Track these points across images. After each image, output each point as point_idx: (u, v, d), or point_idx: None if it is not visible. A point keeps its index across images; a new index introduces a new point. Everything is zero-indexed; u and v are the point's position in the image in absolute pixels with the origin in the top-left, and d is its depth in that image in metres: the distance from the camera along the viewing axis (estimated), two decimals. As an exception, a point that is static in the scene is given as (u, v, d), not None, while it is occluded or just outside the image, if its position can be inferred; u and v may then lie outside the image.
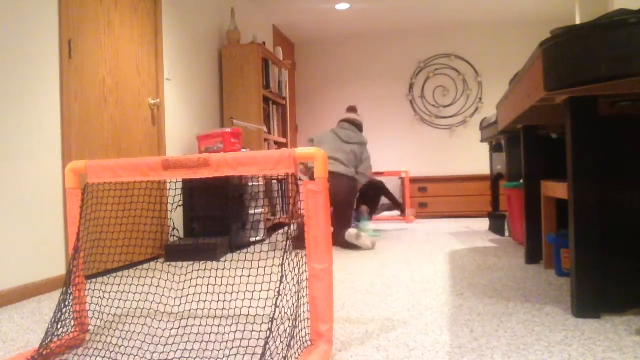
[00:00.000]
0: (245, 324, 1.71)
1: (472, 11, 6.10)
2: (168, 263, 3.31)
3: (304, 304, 1.55)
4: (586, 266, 1.72)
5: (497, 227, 4.25)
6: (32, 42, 2.50)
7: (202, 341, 1.60)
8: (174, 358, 1.46)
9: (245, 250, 3.78)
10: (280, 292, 1.32)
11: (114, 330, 1.78)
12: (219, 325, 1.77)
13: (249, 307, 1.75)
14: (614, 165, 1.81)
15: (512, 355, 1.38)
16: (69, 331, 1.60)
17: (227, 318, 1.88)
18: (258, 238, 4.18)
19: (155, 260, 3.43)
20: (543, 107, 2.04)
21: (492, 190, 4.51)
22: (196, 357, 1.45)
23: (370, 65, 6.95)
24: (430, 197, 6.28)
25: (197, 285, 1.90)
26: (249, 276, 1.78)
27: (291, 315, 1.41)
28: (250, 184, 4.02)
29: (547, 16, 6.35)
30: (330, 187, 3.91)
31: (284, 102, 5.34)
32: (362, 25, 6.53)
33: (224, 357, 1.44)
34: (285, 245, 1.36)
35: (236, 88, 4.59)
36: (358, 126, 4.14)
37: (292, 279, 1.49)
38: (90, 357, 1.50)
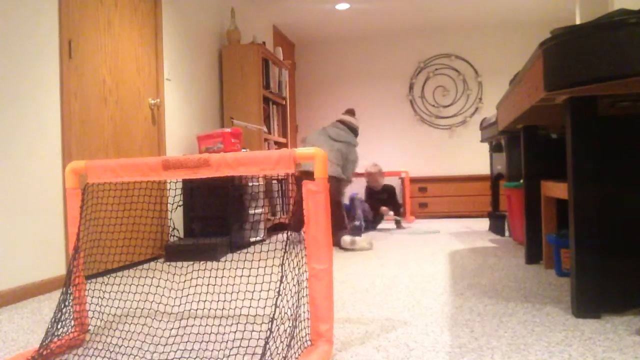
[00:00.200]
0: (245, 324, 1.71)
1: (472, 11, 6.10)
2: (168, 263, 3.31)
3: (304, 304, 1.55)
4: (586, 266, 1.72)
5: (497, 227, 4.25)
6: (32, 42, 2.50)
7: (202, 341, 1.60)
8: (174, 358, 1.46)
9: (245, 250, 3.78)
10: (280, 292, 1.32)
11: (114, 330, 1.78)
12: (219, 325, 1.77)
13: (249, 307, 1.75)
14: (614, 165, 1.81)
15: (512, 355, 1.38)
16: (69, 331, 1.60)
17: (227, 318, 1.88)
18: (258, 238, 4.18)
19: (155, 260, 3.43)
20: (543, 107, 2.04)
21: (492, 190, 4.51)
22: (196, 357, 1.45)
23: (370, 65, 6.95)
24: (430, 197, 6.28)
25: (197, 285, 1.90)
26: (249, 276, 1.78)
27: (291, 315, 1.41)
28: (250, 184, 4.02)
29: (547, 16, 6.35)
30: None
31: (284, 102, 5.34)
32: (362, 25, 6.53)
33: (224, 357, 1.44)
34: (285, 245, 1.36)
35: (236, 88, 4.59)
36: (351, 128, 4.07)
37: (292, 279, 1.49)
38: (90, 357, 1.50)
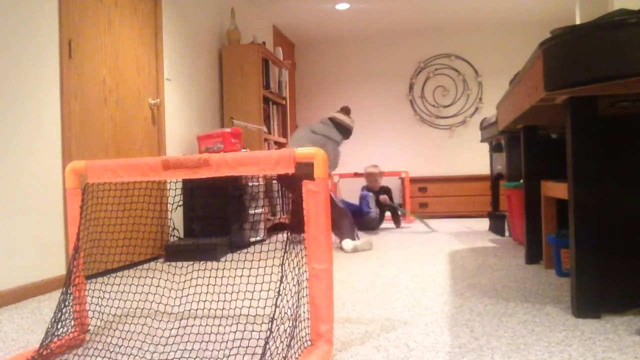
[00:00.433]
0: (245, 324, 1.71)
1: (472, 11, 6.10)
2: (168, 263, 3.31)
3: (304, 304, 1.55)
4: (586, 266, 1.72)
5: (497, 227, 4.25)
6: (32, 42, 2.50)
7: (202, 341, 1.60)
8: (174, 358, 1.46)
9: (245, 250, 3.78)
10: (280, 292, 1.32)
11: (114, 330, 1.78)
12: (219, 325, 1.77)
13: (249, 307, 1.75)
14: (614, 165, 1.81)
15: (512, 355, 1.38)
16: (69, 331, 1.60)
17: (227, 318, 1.88)
18: (258, 238, 4.18)
19: (155, 260, 3.43)
20: (543, 107, 2.04)
21: (492, 190, 4.51)
22: (196, 357, 1.45)
23: (370, 65, 6.95)
24: (430, 197, 6.28)
25: (197, 285, 1.90)
26: (249, 276, 1.78)
27: (291, 315, 1.41)
28: (250, 184, 4.02)
29: (547, 16, 6.35)
30: (285, 179, 3.86)
31: (284, 102, 5.34)
32: (362, 25, 6.53)
33: (224, 357, 1.44)
34: (285, 245, 1.36)
35: (236, 88, 4.59)
36: (339, 125, 3.91)
37: (292, 279, 1.49)
38: (90, 357, 1.50)
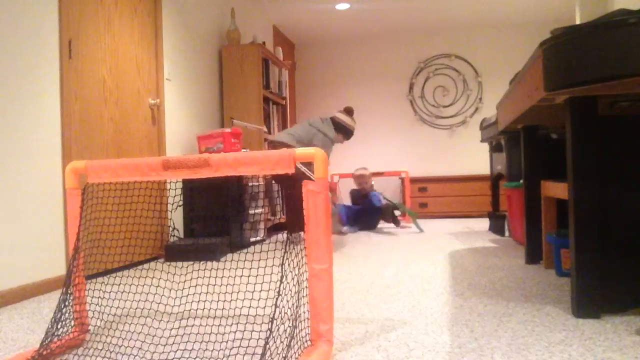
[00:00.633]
0: (245, 324, 1.71)
1: (472, 11, 6.10)
2: (168, 263, 3.31)
3: (304, 304, 1.55)
4: (586, 266, 1.72)
5: (497, 227, 4.25)
6: (32, 42, 2.50)
7: (202, 341, 1.60)
8: (174, 358, 1.46)
9: (245, 250, 3.78)
10: (280, 292, 1.32)
11: (114, 330, 1.78)
12: (219, 325, 1.77)
13: (249, 307, 1.75)
14: (614, 165, 1.81)
15: (512, 355, 1.38)
16: (69, 331, 1.60)
17: (227, 318, 1.88)
18: (258, 238, 4.18)
19: (155, 260, 3.43)
20: (543, 107, 2.04)
21: (492, 190, 4.51)
22: (196, 357, 1.45)
23: (370, 65, 6.95)
24: (430, 197, 6.28)
25: (197, 285, 1.91)
26: (249, 276, 1.78)
27: (291, 315, 1.41)
28: (250, 184, 4.02)
29: (547, 16, 6.35)
30: (280, 178, 3.86)
31: (284, 102, 5.34)
32: (362, 25, 6.53)
33: (224, 357, 1.44)
34: (285, 245, 1.36)
35: (236, 88, 4.59)
36: (337, 124, 3.91)
37: (292, 279, 1.49)
38: (90, 357, 1.50)
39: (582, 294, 1.72)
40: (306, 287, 1.50)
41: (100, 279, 2.80)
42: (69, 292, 1.59)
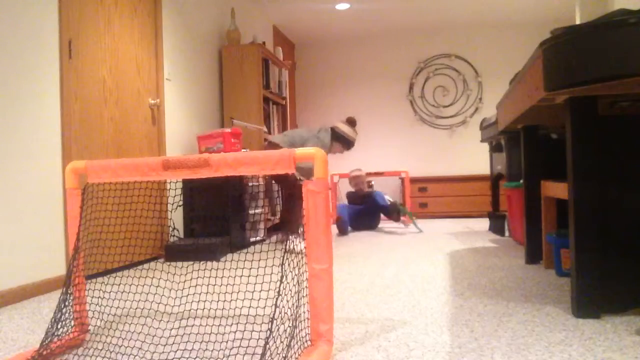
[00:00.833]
0: (245, 324, 1.71)
1: (472, 11, 6.10)
2: (168, 263, 3.31)
3: (304, 304, 1.55)
4: (586, 266, 1.72)
5: (497, 227, 4.25)
6: (32, 42, 2.50)
7: (202, 341, 1.60)
8: (174, 358, 1.46)
9: (245, 250, 3.78)
10: (280, 292, 1.32)
11: (114, 330, 1.78)
12: (219, 325, 1.77)
13: (249, 307, 1.75)
14: (614, 165, 1.81)
15: (512, 355, 1.38)
16: (69, 331, 1.60)
17: (227, 318, 1.88)
18: (258, 238, 4.18)
19: (155, 260, 3.43)
20: (543, 107, 2.04)
21: (492, 190, 4.51)
22: (196, 357, 1.45)
23: (370, 65, 6.95)
24: (430, 197, 6.28)
25: (197, 285, 1.91)
26: (249, 276, 1.78)
27: (291, 315, 1.41)
28: (250, 184, 4.02)
29: (547, 16, 6.35)
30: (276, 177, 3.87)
31: (284, 102, 5.34)
32: (362, 25, 6.53)
33: (224, 357, 1.44)
34: (285, 245, 1.36)
35: (236, 88, 4.59)
36: (336, 134, 3.91)
37: (292, 279, 1.49)
38: (90, 357, 1.50)
39: (582, 294, 1.72)
40: (306, 287, 1.50)
41: (100, 279, 2.80)
42: (69, 292, 1.59)
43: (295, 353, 1.35)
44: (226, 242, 3.53)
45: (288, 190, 3.76)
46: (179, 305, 2.10)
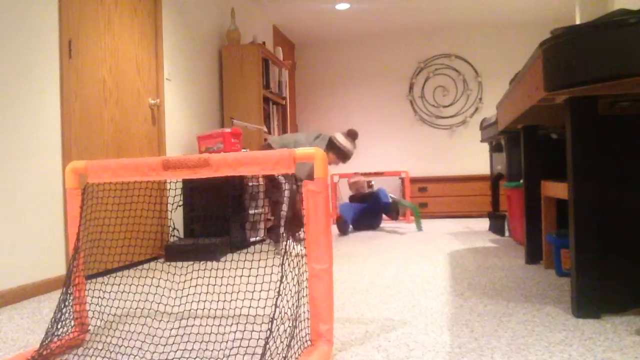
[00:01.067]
0: (245, 324, 1.71)
1: (472, 11, 6.10)
2: (168, 263, 3.31)
3: (304, 304, 1.55)
4: (586, 266, 1.72)
5: (497, 227, 4.25)
6: (32, 42, 2.50)
7: (202, 341, 1.60)
8: (174, 358, 1.46)
9: (245, 250, 3.78)
10: (280, 292, 1.32)
11: (114, 330, 1.78)
12: (219, 325, 1.77)
13: (249, 307, 1.75)
14: (614, 165, 1.81)
15: (512, 355, 1.38)
16: (69, 331, 1.60)
17: (227, 318, 1.88)
18: (258, 238, 4.18)
19: (155, 260, 3.43)
20: (543, 107, 2.04)
21: (492, 190, 4.51)
22: (196, 357, 1.45)
23: (370, 65, 6.95)
24: (430, 197, 6.28)
25: (197, 285, 1.91)
26: (249, 276, 1.78)
27: (291, 315, 1.41)
28: (250, 183, 4.02)
29: (547, 16, 6.35)
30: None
31: (284, 102, 5.34)
32: (362, 25, 6.53)
33: (224, 357, 1.44)
34: (285, 245, 1.36)
35: (236, 88, 4.59)
36: (332, 143, 3.78)
37: (292, 279, 1.49)
38: (90, 357, 1.50)
39: (582, 294, 1.72)
40: (306, 287, 1.50)
41: (100, 279, 2.80)
42: (69, 292, 1.59)
43: (295, 353, 1.35)
44: (226, 242, 3.53)
45: (274, 197, 3.72)
46: (179, 305, 2.10)
